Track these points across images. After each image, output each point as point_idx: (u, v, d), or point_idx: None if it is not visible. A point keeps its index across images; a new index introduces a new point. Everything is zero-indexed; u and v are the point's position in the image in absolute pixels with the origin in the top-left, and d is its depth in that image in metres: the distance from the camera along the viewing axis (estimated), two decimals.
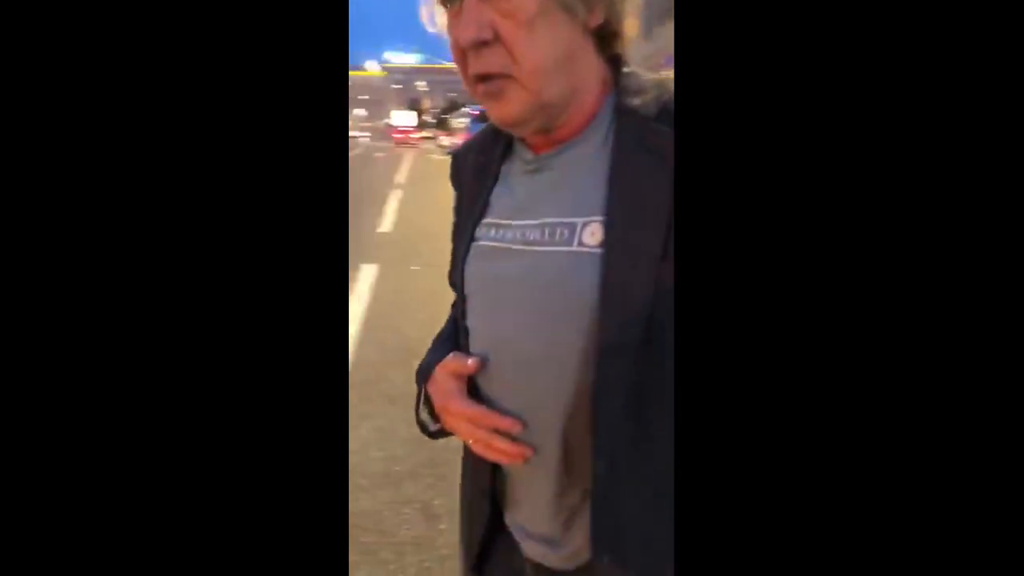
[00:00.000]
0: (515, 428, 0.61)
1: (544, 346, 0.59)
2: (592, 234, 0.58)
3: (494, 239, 0.66)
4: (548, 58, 0.56)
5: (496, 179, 0.69)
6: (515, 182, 0.67)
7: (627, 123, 0.59)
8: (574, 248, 0.59)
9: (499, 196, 0.68)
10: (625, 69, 0.62)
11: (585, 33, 0.59)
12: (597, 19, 0.58)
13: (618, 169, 0.58)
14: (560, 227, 0.60)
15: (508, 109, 0.59)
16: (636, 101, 0.59)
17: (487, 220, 0.68)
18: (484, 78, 0.58)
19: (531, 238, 0.62)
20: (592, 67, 0.61)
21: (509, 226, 0.65)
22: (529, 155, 0.65)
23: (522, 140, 0.66)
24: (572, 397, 0.58)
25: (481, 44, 0.56)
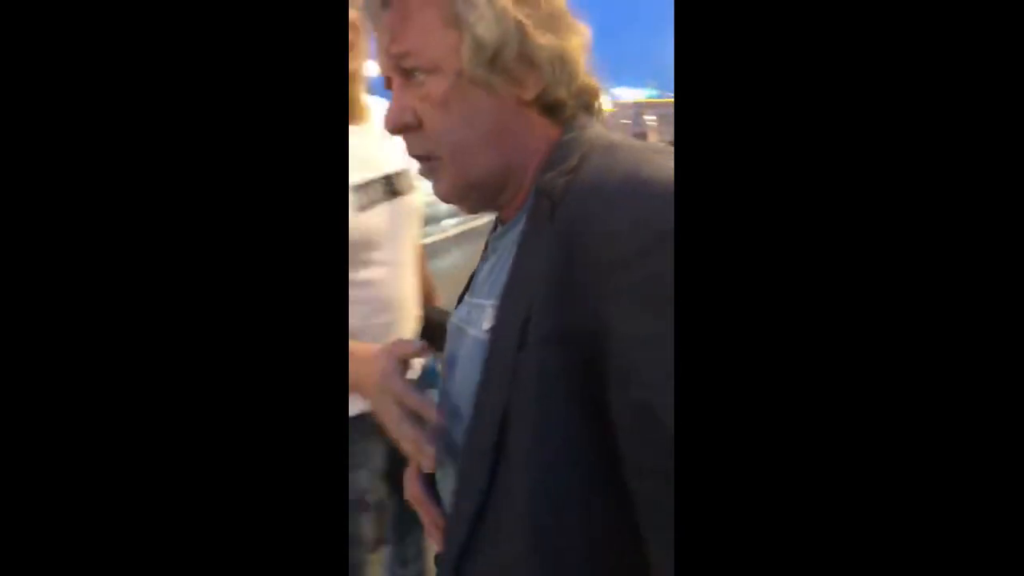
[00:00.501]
0: (431, 417, 0.59)
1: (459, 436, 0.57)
2: (487, 319, 0.55)
3: (457, 316, 0.64)
4: (466, 138, 0.55)
5: (484, 253, 0.67)
6: (487, 259, 0.65)
7: (536, 200, 0.54)
8: (476, 333, 0.57)
9: (477, 272, 0.66)
10: (566, 136, 0.56)
11: (521, 106, 0.55)
12: (530, 91, 0.54)
13: (517, 250, 0.55)
14: (476, 308, 0.59)
15: (440, 188, 0.58)
16: (547, 176, 0.54)
17: (466, 297, 0.66)
18: (419, 159, 0.58)
19: (462, 316, 0.62)
20: (534, 140, 0.56)
21: (465, 303, 0.64)
22: (494, 233, 0.64)
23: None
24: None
25: (405, 128, 0.56)
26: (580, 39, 0.56)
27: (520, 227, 0.56)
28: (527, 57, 0.53)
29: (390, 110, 0.56)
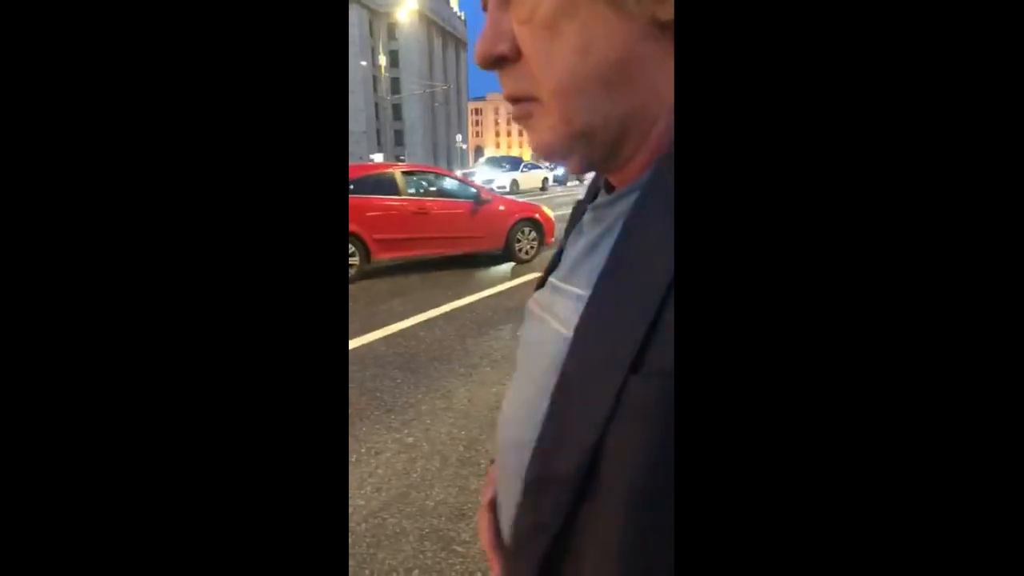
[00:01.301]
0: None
1: (514, 431, 0.46)
2: (578, 316, 0.41)
3: (539, 299, 0.51)
4: (578, 73, 0.39)
5: (574, 227, 0.52)
6: (582, 232, 0.49)
7: (666, 164, 0.40)
8: (560, 329, 0.43)
9: (567, 248, 0.52)
10: None
11: (653, 31, 0.39)
12: (669, 9, 0.38)
13: (629, 226, 0.40)
14: (565, 297, 0.45)
15: (537, 138, 0.43)
16: None
17: (551, 278, 0.52)
18: (513, 100, 0.44)
19: (544, 301, 0.49)
20: (672, 78, 0.40)
21: (549, 284, 0.51)
22: (601, 198, 0.48)
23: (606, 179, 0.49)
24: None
25: (501, 60, 0.42)
26: None
27: (637, 196, 0.42)
28: None
29: (482, 38, 0.42)
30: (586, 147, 0.42)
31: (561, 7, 0.38)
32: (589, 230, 0.47)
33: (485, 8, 0.44)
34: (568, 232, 0.53)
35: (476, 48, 0.43)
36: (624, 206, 0.43)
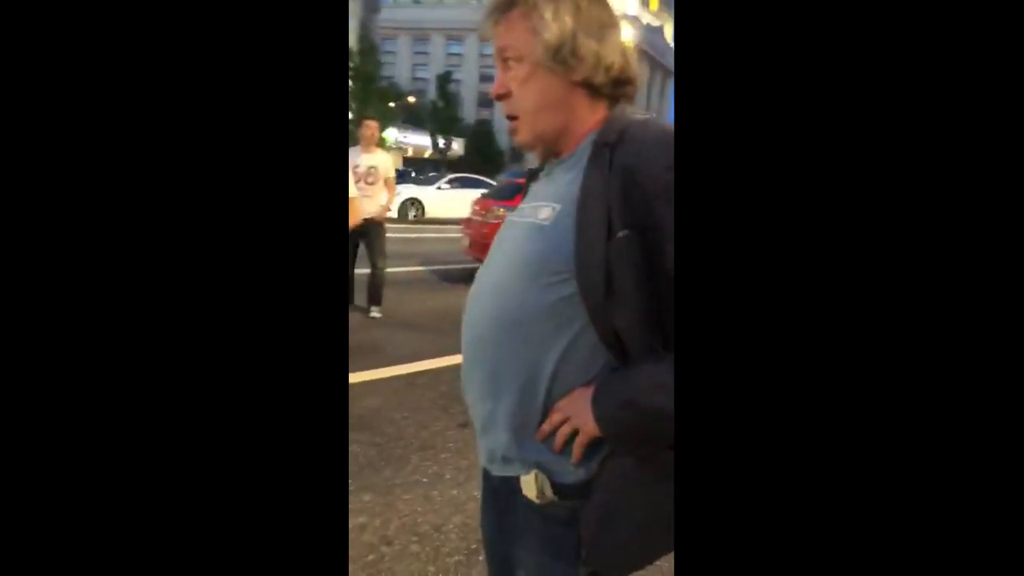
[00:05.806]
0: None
1: (492, 284, 0.88)
2: (544, 212, 0.86)
3: (516, 214, 0.94)
4: (536, 105, 0.87)
5: (534, 181, 1.00)
6: (540, 180, 0.97)
7: (595, 148, 0.83)
8: (533, 220, 0.86)
9: (531, 190, 0.98)
10: (612, 114, 0.87)
11: (572, 85, 0.86)
12: (578, 76, 0.85)
13: (582, 178, 0.82)
14: (534, 208, 0.88)
15: (518, 138, 0.91)
16: (605, 133, 0.83)
17: (521, 204, 0.97)
18: (508, 117, 0.90)
19: (521, 213, 0.92)
20: (583, 109, 0.88)
21: (523, 206, 0.94)
22: (550, 165, 0.95)
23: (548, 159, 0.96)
24: (504, 319, 0.84)
25: (503, 96, 0.89)
26: (616, 45, 0.86)
27: (573, 163, 0.87)
28: (576, 54, 0.84)
29: (496, 84, 0.90)
30: (542, 142, 0.91)
31: (529, 73, 0.86)
32: (545, 178, 0.95)
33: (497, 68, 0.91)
34: (528, 184, 1.01)
35: (493, 89, 0.91)
36: (564, 167, 0.90)
